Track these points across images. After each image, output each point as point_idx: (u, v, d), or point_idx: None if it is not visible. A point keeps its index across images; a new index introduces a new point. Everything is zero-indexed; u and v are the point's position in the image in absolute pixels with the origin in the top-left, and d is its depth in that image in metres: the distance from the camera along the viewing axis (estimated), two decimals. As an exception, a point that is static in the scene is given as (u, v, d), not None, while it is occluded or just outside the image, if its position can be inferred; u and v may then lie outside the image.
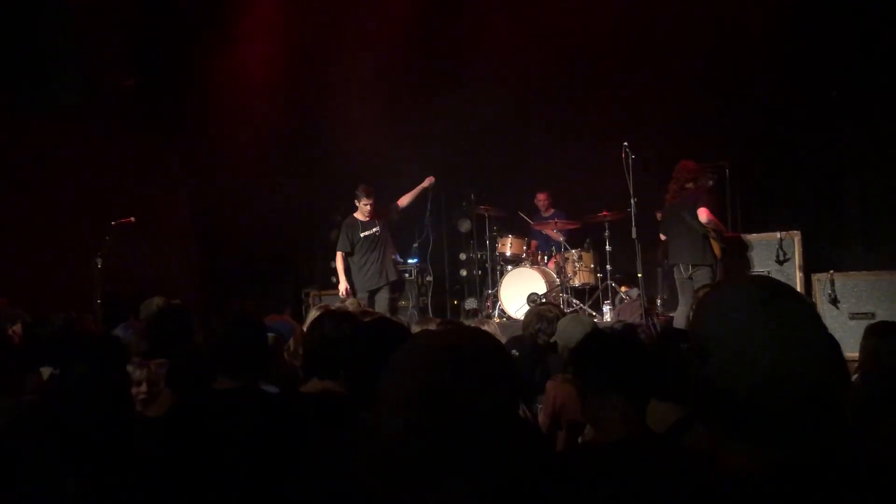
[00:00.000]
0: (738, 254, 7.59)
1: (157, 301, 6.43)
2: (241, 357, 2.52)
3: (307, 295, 10.20)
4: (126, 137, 8.89)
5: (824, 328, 1.25)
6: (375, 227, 7.91)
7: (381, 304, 7.74)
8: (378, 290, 7.89)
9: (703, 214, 6.95)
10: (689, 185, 7.15)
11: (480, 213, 9.36)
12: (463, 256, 10.26)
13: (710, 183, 7.59)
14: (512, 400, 1.27)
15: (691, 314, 1.31)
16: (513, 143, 9.69)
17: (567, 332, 3.66)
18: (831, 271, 7.20)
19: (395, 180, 8.81)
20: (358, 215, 7.97)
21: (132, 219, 7.78)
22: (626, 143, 7.21)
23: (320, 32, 9.71)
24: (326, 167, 9.83)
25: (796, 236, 7.48)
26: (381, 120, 9.45)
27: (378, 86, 9.65)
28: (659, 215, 7.60)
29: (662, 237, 7.59)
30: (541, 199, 9.38)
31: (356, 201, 7.93)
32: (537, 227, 9.25)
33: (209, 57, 9.50)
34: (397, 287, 8.32)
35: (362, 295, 7.76)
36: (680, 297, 7.27)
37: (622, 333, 3.39)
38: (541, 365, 4.17)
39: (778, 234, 7.52)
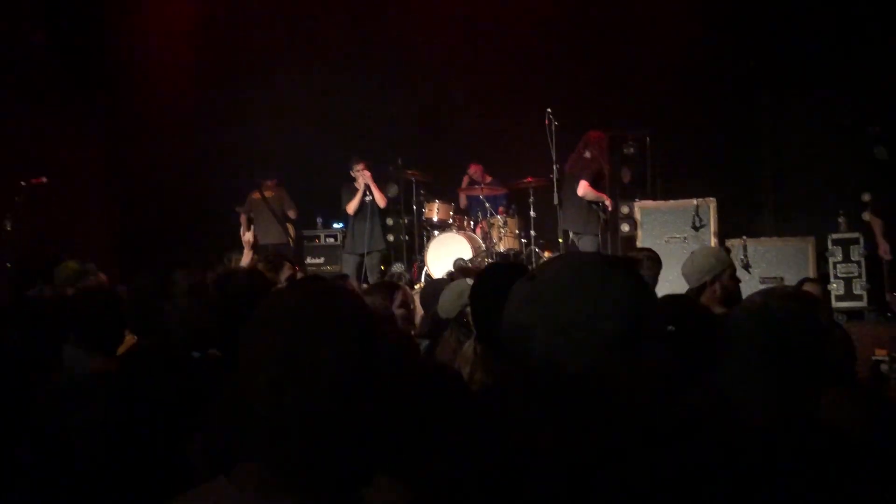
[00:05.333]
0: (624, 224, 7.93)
1: (72, 265, 6.24)
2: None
3: (230, 260, 10.01)
4: (38, 94, 8.49)
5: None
6: (368, 195, 8.45)
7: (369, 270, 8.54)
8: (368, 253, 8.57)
9: (581, 188, 7.34)
10: (587, 153, 7.39)
11: (408, 177, 9.33)
12: (390, 221, 10.22)
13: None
14: (364, 352, 1.27)
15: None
16: (440, 109, 9.68)
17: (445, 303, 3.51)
18: (744, 237, 7.49)
19: (319, 140, 8.75)
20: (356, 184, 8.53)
21: (44, 179, 7.48)
22: (549, 110, 7.29)
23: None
24: (252, 127, 9.59)
25: (712, 203, 7.74)
26: (306, 79, 9.31)
27: (303, 45, 9.48)
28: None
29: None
30: (476, 170, 9.39)
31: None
32: (465, 193, 9.33)
33: (127, 11, 9.13)
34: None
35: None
36: None
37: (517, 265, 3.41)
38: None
39: (695, 201, 7.76)
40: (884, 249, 6.50)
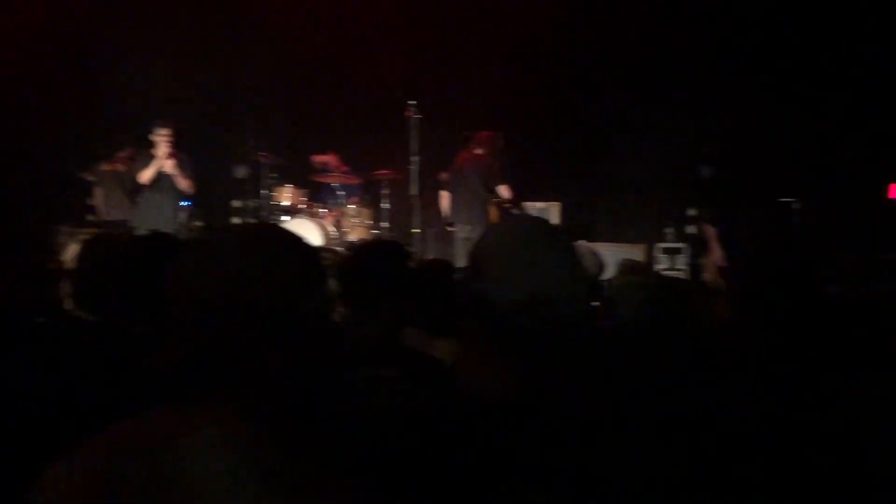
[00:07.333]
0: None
1: None
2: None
3: (58, 233, 9.34)
4: None
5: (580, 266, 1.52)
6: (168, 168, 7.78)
7: None
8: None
9: (504, 191, 7.65)
10: (478, 150, 7.60)
11: (258, 159, 9.07)
12: (237, 203, 9.91)
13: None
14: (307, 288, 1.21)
15: (478, 239, 1.46)
16: (296, 94, 9.53)
17: None
18: (583, 241, 7.91)
19: (167, 113, 8.36)
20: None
21: None
22: (412, 103, 7.39)
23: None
24: (99, 94, 8.98)
25: (556, 207, 8.14)
26: (161, 56, 8.90)
27: (160, 23, 9.06)
28: (444, 175, 7.96)
29: (444, 194, 7.96)
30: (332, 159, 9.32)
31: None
32: (318, 179, 9.22)
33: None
34: None
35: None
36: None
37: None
38: None
39: (539, 205, 8.13)
40: (719, 257, 6.96)
